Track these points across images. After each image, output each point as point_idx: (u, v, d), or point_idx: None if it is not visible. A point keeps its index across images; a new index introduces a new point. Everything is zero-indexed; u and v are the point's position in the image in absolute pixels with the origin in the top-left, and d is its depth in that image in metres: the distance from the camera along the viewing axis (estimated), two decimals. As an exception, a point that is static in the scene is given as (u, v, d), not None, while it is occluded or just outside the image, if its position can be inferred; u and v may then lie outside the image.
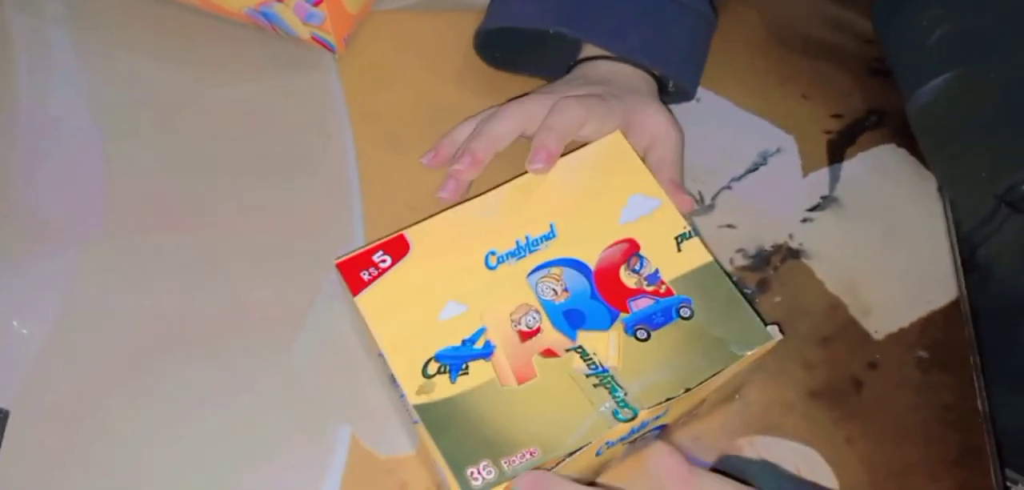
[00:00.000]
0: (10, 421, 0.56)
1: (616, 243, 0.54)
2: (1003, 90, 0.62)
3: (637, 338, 0.50)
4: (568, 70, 0.66)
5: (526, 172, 0.57)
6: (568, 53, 0.66)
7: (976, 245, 0.65)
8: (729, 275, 0.53)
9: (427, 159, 0.63)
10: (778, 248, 0.63)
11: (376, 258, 0.53)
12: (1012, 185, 0.62)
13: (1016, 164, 0.62)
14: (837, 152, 0.67)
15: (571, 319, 0.51)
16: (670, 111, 0.63)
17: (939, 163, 0.66)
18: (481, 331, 0.51)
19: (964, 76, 0.64)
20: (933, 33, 0.65)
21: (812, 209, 0.65)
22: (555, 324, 0.51)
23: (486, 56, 0.69)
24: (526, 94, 0.63)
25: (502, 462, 0.47)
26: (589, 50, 0.65)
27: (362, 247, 0.54)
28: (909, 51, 0.67)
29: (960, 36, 0.64)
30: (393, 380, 0.50)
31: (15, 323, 0.60)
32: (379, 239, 0.54)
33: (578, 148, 0.58)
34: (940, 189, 0.66)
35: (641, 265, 0.53)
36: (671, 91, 0.66)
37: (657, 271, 0.53)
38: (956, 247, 0.64)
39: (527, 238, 0.54)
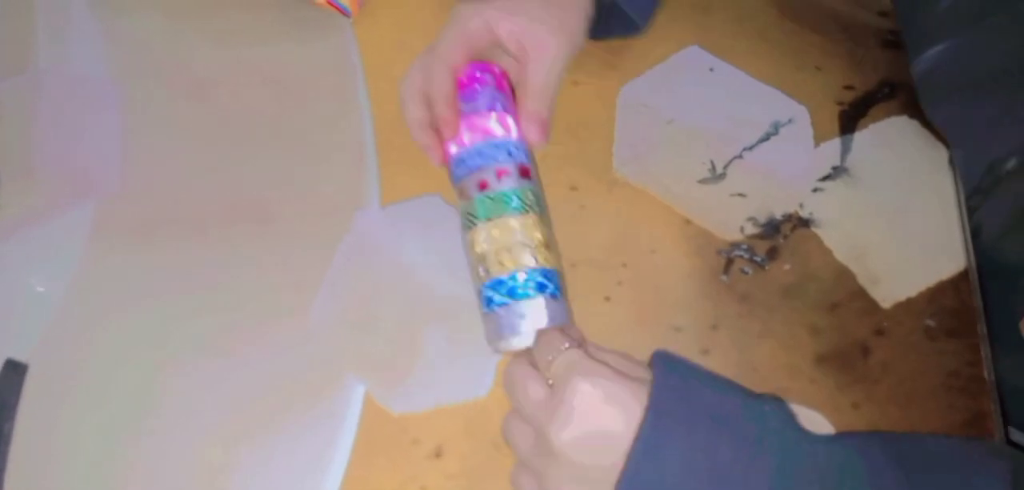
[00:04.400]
0: (28, 375, 0.57)
1: None
2: (1001, 56, 0.62)
3: None
4: None
5: None
6: None
7: (971, 210, 0.65)
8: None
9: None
10: (788, 217, 0.64)
11: None
12: (993, 162, 0.63)
13: (1002, 137, 0.63)
14: (849, 123, 0.68)
15: None
16: (564, 27, 0.60)
17: (939, 126, 0.67)
18: None
19: (965, 43, 0.64)
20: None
21: (823, 179, 0.65)
22: None
23: None
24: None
25: None
26: None
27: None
28: (919, 14, 0.67)
29: (968, 5, 0.64)
30: None
31: (32, 280, 0.61)
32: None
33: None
34: (950, 161, 0.66)
35: None
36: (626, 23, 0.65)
37: None
38: (965, 218, 0.64)
39: None
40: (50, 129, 0.67)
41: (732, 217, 0.64)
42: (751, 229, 0.63)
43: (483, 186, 0.56)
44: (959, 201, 0.65)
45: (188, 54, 0.70)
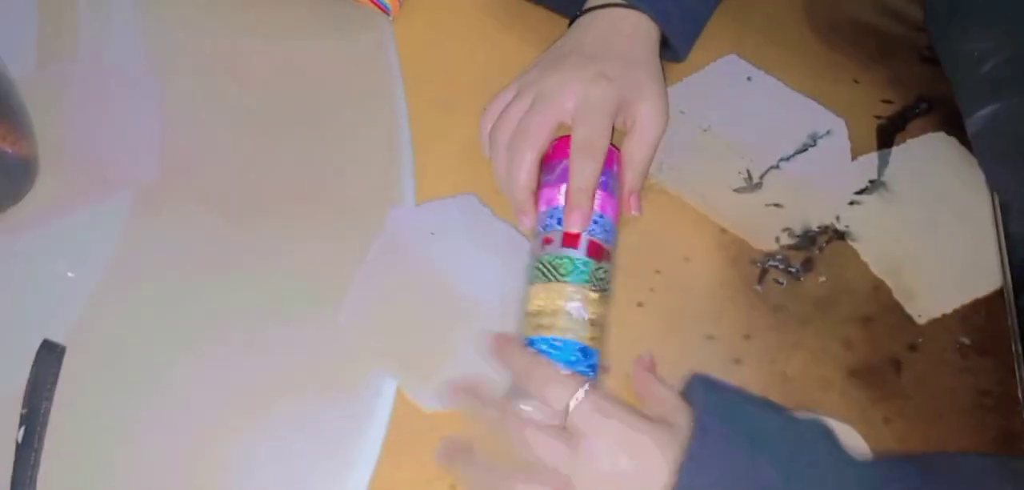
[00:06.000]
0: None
1: None
2: None
3: None
4: (576, 16, 0.65)
5: None
6: None
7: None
8: None
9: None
10: (824, 229, 0.64)
11: None
12: None
13: None
14: (886, 137, 0.67)
15: None
16: (664, 97, 0.61)
17: (993, 187, 0.66)
18: None
19: (1012, 108, 0.63)
20: (986, 63, 0.64)
21: (860, 192, 0.65)
22: None
23: None
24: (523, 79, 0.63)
25: None
26: None
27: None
28: (963, 74, 0.67)
29: (1012, 68, 0.64)
30: None
31: (62, 266, 0.61)
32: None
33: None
34: (988, 179, 0.66)
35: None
36: (669, 47, 0.66)
37: None
38: (1002, 237, 0.64)
39: None
40: (89, 118, 0.67)
41: (767, 227, 0.63)
42: (786, 240, 0.63)
43: (547, 242, 0.57)
44: (996, 220, 0.64)
45: (227, 46, 0.71)
